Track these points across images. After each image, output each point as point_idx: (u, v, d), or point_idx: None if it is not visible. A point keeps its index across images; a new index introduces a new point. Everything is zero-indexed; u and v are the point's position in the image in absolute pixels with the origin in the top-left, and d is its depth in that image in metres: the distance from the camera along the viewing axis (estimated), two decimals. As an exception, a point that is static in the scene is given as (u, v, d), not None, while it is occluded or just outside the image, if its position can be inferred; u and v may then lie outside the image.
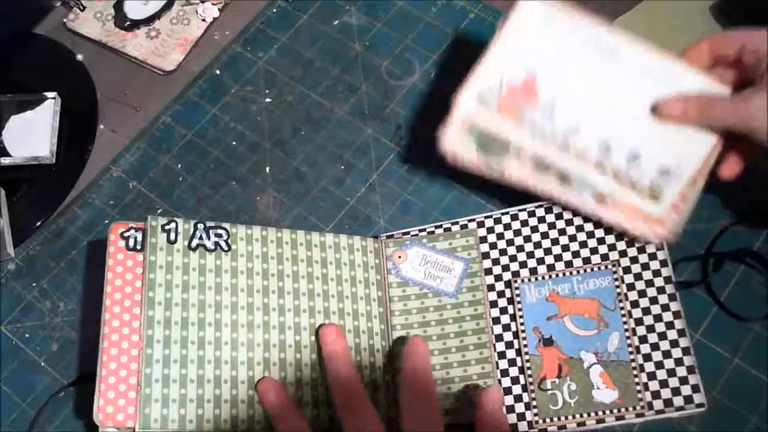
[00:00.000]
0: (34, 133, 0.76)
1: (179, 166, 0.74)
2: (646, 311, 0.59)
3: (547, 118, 0.61)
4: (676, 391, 0.57)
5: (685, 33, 0.77)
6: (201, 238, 0.59)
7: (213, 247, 0.59)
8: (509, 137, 0.61)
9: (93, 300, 0.67)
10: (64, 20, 0.83)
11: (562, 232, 0.64)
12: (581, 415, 0.57)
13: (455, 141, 0.62)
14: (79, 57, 0.82)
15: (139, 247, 0.59)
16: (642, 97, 0.61)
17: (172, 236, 0.59)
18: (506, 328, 0.61)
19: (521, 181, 0.62)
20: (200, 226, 0.60)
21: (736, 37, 0.60)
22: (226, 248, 0.60)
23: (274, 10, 0.82)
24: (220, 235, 0.60)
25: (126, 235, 0.59)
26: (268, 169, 0.73)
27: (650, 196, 0.60)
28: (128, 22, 0.82)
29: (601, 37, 0.62)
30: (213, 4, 0.83)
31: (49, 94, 0.78)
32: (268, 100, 0.77)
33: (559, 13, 0.63)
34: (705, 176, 0.61)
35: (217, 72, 0.79)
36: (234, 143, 0.75)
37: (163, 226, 0.59)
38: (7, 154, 0.76)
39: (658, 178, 0.60)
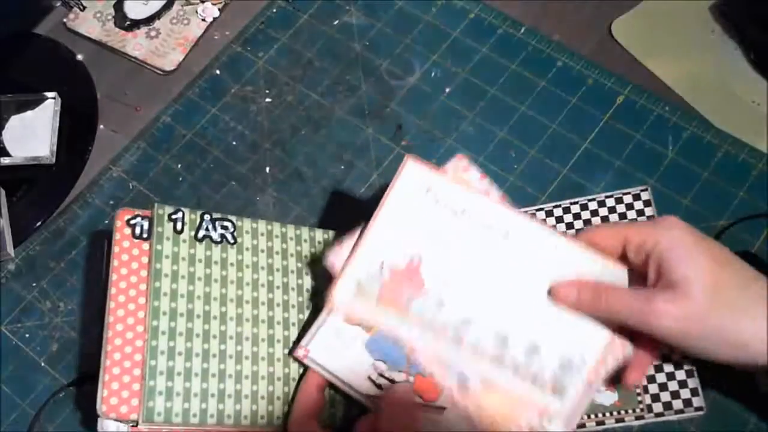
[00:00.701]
0: (34, 133, 0.76)
1: (179, 166, 0.74)
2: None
3: (435, 310, 0.55)
4: (675, 395, 0.57)
5: (684, 33, 0.77)
6: (207, 229, 0.59)
7: (219, 239, 0.59)
8: (396, 333, 0.55)
9: (93, 300, 0.67)
10: (64, 20, 0.83)
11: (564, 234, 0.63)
12: (581, 417, 0.57)
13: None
14: (79, 57, 0.82)
15: (145, 236, 0.58)
16: (538, 282, 0.56)
17: (179, 226, 0.58)
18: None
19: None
20: (206, 217, 0.59)
21: (620, 231, 0.55)
22: (231, 241, 0.60)
23: (274, 10, 0.82)
24: (226, 227, 0.60)
25: (132, 222, 0.58)
26: (268, 169, 0.73)
27: (552, 390, 0.54)
28: (128, 22, 0.82)
29: (491, 218, 0.56)
30: (213, 4, 0.83)
31: (49, 94, 0.78)
32: (268, 100, 0.77)
33: (445, 186, 0.57)
34: (600, 376, 0.55)
35: (217, 72, 0.79)
36: (234, 143, 0.75)
37: (170, 215, 0.58)
38: (7, 154, 0.76)
39: (560, 373, 0.55)
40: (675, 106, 0.72)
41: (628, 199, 0.63)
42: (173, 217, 0.58)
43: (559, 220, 0.65)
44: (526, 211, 0.65)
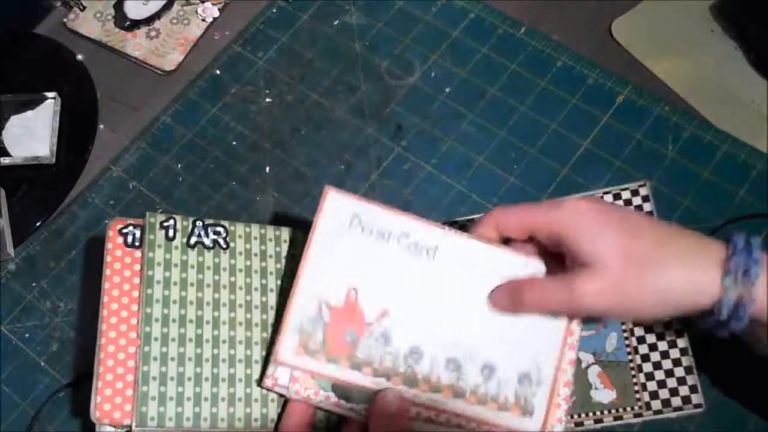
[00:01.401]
0: (34, 133, 0.76)
1: (179, 166, 0.74)
2: (645, 312, 0.59)
3: (382, 347, 0.53)
4: (674, 392, 0.57)
5: (684, 33, 0.77)
6: (199, 235, 0.59)
7: (211, 245, 0.59)
8: (350, 382, 0.52)
9: (93, 300, 0.67)
10: (64, 20, 0.83)
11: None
12: (579, 415, 0.57)
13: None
14: (79, 57, 0.82)
15: (137, 244, 0.58)
16: (474, 295, 0.55)
17: (171, 233, 0.59)
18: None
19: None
20: (199, 223, 0.60)
21: (526, 220, 0.54)
22: (224, 246, 0.60)
23: (274, 10, 0.82)
24: (218, 233, 0.60)
25: (125, 231, 0.59)
26: (268, 169, 0.73)
27: (522, 412, 0.53)
28: (128, 22, 0.82)
29: (417, 235, 0.55)
30: (213, 4, 0.83)
31: (49, 94, 0.78)
32: (268, 100, 0.77)
33: (367, 209, 0.55)
34: (567, 367, 0.54)
35: (217, 72, 0.79)
36: (234, 143, 0.75)
37: (161, 223, 0.59)
38: (7, 154, 0.76)
39: (520, 388, 0.53)
40: (675, 106, 0.72)
41: (626, 194, 0.63)
42: (165, 224, 0.59)
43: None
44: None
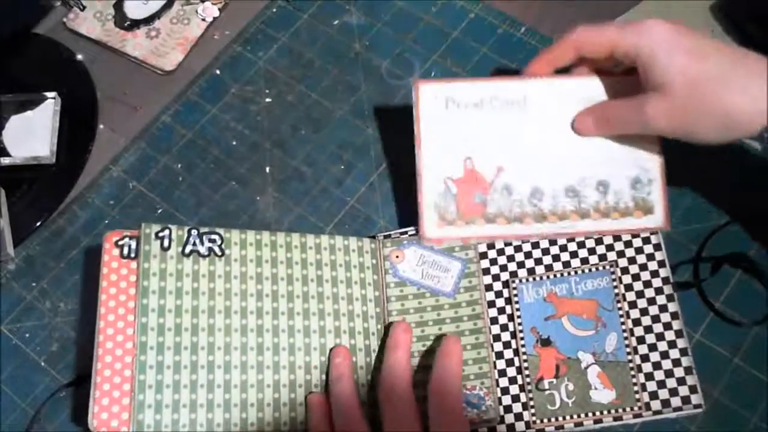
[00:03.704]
0: (34, 133, 0.77)
1: (179, 166, 0.74)
2: (644, 312, 0.59)
3: (507, 197, 0.62)
4: (673, 392, 0.57)
5: (685, 33, 0.77)
6: (194, 244, 0.60)
7: (206, 253, 0.60)
8: (494, 235, 0.62)
9: (93, 300, 0.67)
10: (64, 20, 0.83)
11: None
12: (579, 416, 0.57)
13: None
14: (79, 57, 0.82)
15: (133, 255, 0.59)
16: (570, 128, 0.62)
17: (166, 243, 0.59)
18: (504, 328, 0.61)
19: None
20: (194, 232, 0.60)
21: (606, 38, 0.58)
22: (219, 253, 0.60)
23: (274, 10, 0.82)
24: (213, 241, 0.60)
25: (120, 243, 0.59)
26: (268, 169, 0.73)
27: (644, 212, 0.61)
28: (128, 22, 0.82)
29: (505, 93, 0.63)
30: (213, 3, 0.83)
31: (49, 94, 0.78)
32: (268, 100, 0.77)
33: (455, 88, 0.63)
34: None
35: (217, 72, 0.79)
36: (234, 143, 0.75)
37: (156, 233, 0.59)
38: (7, 154, 0.76)
39: (636, 192, 0.61)
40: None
41: (637, 242, 0.63)
42: (160, 234, 0.59)
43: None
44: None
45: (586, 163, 0.62)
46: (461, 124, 0.63)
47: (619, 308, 0.60)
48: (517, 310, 0.61)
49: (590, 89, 0.62)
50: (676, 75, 0.54)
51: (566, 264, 0.62)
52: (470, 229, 0.62)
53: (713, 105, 0.54)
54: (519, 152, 0.62)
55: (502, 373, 0.60)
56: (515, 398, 0.59)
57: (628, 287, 0.60)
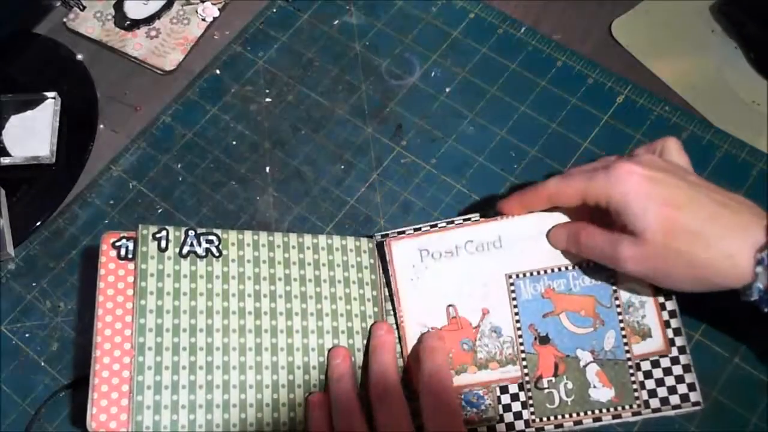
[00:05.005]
0: (34, 133, 0.76)
1: (179, 165, 0.74)
2: (643, 310, 0.59)
3: (496, 339, 0.60)
4: (672, 390, 0.57)
5: (684, 33, 0.77)
6: (192, 245, 0.60)
7: (204, 254, 0.60)
8: (487, 381, 0.59)
9: (93, 300, 0.67)
10: (64, 20, 0.83)
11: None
12: (578, 414, 0.57)
13: None
14: (79, 57, 0.82)
15: (130, 256, 0.59)
16: (544, 260, 0.61)
17: (163, 244, 0.59)
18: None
19: None
20: (191, 233, 0.60)
21: (577, 190, 0.57)
22: (217, 254, 0.60)
23: (274, 10, 0.82)
24: (211, 241, 0.60)
25: (117, 244, 0.59)
26: (268, 169, 0.73)
27: (642, 337, 0.58)
28: (128, 22, 0.82)
29: (476, 237, 0.61)
30: (213, 3, 0.83)
31: (49, 94, 0.78)
32: (268, 100, 0.77)
33: (428, 240, 0.62)
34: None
35: (217, 72, 0.79)
36: (234, 143, 0.75)
37: (154, 234, 0.59)
38: (7, 154, 0.76)
39: (630, 317, 0.59)
40: (675, 106, 0.72)
41: None
42: (157, 235, 0.59)
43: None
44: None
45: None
46: (439, 274, 0.61)
47: (618, 305, 0.59)
48: (515, 306, 0.61)
49: (566, 219, 0.61)
50: (650, 224, 0.53)
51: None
52: (461, 378, 0.59)
53: (688, 258, 0.53)
54: (502, 290, 0.61)
55: (502, 372, 0.60)
56: (514, 397, 0.59)
57: (626, 285, 0.60)
